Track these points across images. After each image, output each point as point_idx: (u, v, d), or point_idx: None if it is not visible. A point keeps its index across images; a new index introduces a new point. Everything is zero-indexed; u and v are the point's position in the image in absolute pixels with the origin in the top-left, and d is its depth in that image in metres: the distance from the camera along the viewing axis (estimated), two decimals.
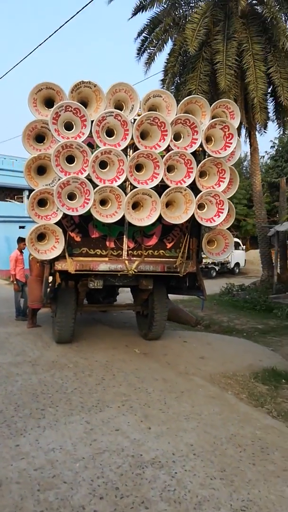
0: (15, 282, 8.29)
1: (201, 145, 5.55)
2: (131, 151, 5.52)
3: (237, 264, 21.68)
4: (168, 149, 5.46)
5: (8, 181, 19.19)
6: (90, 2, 8.19)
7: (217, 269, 19.64)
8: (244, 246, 24.16)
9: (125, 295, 9.10)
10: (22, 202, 19.85)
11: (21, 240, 8.46)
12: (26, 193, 19.77)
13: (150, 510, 2.65)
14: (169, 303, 7.14)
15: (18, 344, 6.37)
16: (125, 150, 5.34)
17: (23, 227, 16.21)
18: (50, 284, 5.87)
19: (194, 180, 5.48)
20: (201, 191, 5.55)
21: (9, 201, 19.36)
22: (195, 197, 5.44)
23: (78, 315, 6.64)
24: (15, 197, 19.97)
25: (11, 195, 19.93)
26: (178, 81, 13.60)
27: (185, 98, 5.85)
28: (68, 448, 3.36)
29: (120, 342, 6.59)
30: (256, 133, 13.48)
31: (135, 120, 5.38)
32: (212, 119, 5.64)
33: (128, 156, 5.40)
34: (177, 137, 5.60)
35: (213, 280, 16.81)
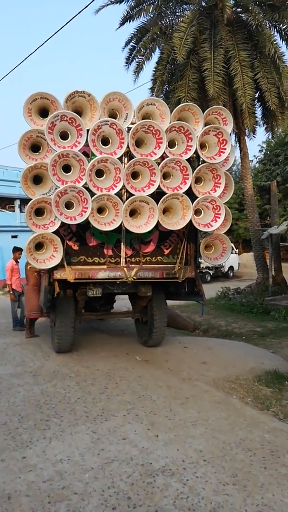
0: (11, 292, 8.23)
1: (195, 152, 5.61)
2: (126, 159, 5.56)
3: (231, 267, 21.77)
4: (163, 156, 5.50)
5: None
6: (83, 9, 8.28)
7: (211, 274, 19.71)
8: (237, 250, 24.31)
9: (120, 303, 9.09)
10: (13, 211, 19.75)
11: (16, 249, 8.43)
12: (17, 202, 19.70)
13: None
14: (167, 309, 7.13)
15: (18, 355, 6.30)
16: (120, 158, 5.37)
17: (15, 237, 16.14)
18: (49, 294, 5.82)
19: (190, 186, 5.53)
20: (197, 197, 5.59)
21: (1, 211, 19.24)
22: (192, 203, 5.48)
23: (77, 324, 6.60)
24: (7, 206, 19.86)
25: (2, 204, 19.82)
26: (167, 89, 13.72)
27: (178, 106, 5.91)
28: (76, 459, 3.32)
29: (121, 350, 6.56)
30: (246, 138, 13.66)
31: (129, 128, 5.41)
32: (205, 125, 5.70)
33: (124, 164, 5.43)
34: (171, 144, 5.65)
35: (208, 285, 16.83)
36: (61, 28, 8.36)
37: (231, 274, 21.95)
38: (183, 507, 2.73)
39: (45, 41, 8.91)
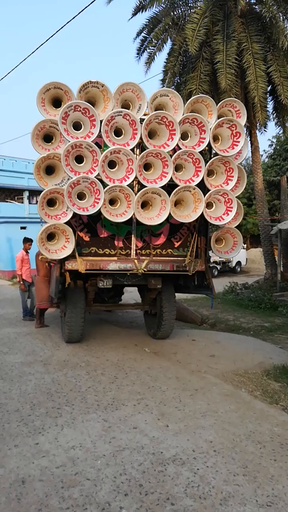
0: (21, 282, 8.29)
1: (208, 144, 5.58)
2: (138, 150, 5.54)
3: (238, 263, 21.71)
4: (174, 148, 5.48)
5: (8, 182, 19.16)
6: (90, 3, 8.20)
7: (219, 268, 19.67)
8: (245, 245, 24.22)
9: (128, 295, 9.12)
10: (22, 203, 19.82)
11: (26, 240, 8.48)
12: (26, 193, 19.76)
13: (176, 506, 2.66)
14: (176, 302, 7.15)
15: (28, 344, 6.37)
16: (132, 150, 5.35)
17: (24, 228, 16.21)
18: (59, 284, 5.86)
19: (202, 179, 5.50)
20: (209, 190, 5.57)
21: (10, 202, 19.31)
22: (204, 196, 5.46)
23: (86, 315, 6.64)
24: (16, 198, 19.93)
25: (11, 196, 19.88)
26: (178, 81, 13.61)
27: (192, 98, 5.87)
28: (88, 446, 3.37)
29: (130, 341, 6.60)
30: (257, 132, 13.54)
31: (142, 119, 5.39)
32: (218, 118, 5.66)
33: (136, 155, 5.42)
34: (184, 136, 5.62)
35: (216, 279, 16.70)
36: (70, 20, 8.30)
37: (239, 269, 21.90)
38: (194, 496, 2.77)
39: (56, 32, 8.87)
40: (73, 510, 2.61)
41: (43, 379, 4.84)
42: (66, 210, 5.32)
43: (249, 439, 3.52)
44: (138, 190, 5.37)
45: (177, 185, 5.39)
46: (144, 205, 5.52)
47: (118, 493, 2.79)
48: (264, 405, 4.24)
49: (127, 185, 5.28)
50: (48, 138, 5.47)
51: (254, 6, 12.68)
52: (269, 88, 12.38)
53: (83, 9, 8.14)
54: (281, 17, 12.09)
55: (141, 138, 5.29)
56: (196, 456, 3.24)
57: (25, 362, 5.45)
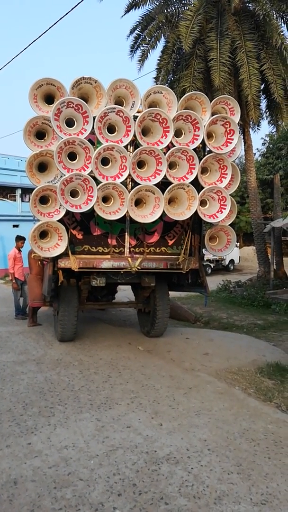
0: (14, 281, 8.22)
1: (202, 142, 5.55)
2: (131, 147, 5.50)
3: (231, 261, 21.76)
4: (168, 146, 5.44)
5: (0, 179, 18.99)
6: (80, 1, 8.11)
7: (212, 266, 19.71)
8: (238, 243, 24.29)
9: (121, 293, 9.08)
10: (15, 200, 19.66)
11: (19, 238, 8.41)
12: (19, 191, 19.60)
13: (170, 506, 2.64)
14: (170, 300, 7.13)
15: (20, 343, 6.31)
16: (125, 147, 5.31)
17: (17, 226, 16.10)
18: (52, 282, 5.81)
19: (196, 177, 5.48)
20: (203, 188, 5.55)
21: (2, 200, 19.15)
22: (198, 194, 5.44)
23: (79, 313, 6.60)
24: (8, 195, 19.76)
25: (3, 193, 19.72)
26: (172, 78, 13.55)
27: (186, 94, 5.83)
28: (81, 446, 3.33)
29: (123, 340, 6.57)
30: (250, 130, 13.55)
31: (135, 116, 5.35)
32: (212, 115, 5.64)
33: (129, 152, 5.38)
34: (178, 133, 5.58)
35: (209, 277, 16.67)
36: (68, 12, 8.22)
37: (232, 267, 21.96)
38: (188, 495, 2.75)
39: (51, 26, 8.76)
40: (66, 511, 2.57)
41: (36, 378, 4.80)
42: (59, 208, 5.26)
43: (243, 437, 3.51)
44: (132, 188, 5.33)
45: (171, 183, 5.36)
46: (138, 202, 5.48)
47: (112, 493, 2.76)
48: (258, 403, 4.24)
49: (121, 183, 5.24)
50: (40, 135, 5.41)
51: (247, 4, 12.68)
52: (262, 86, 12.38)
53: (77, 5, 8.05)
54: (275, 15, 12.11)
55: (134, 135, 5.25)
56: (190, 455, 3.22)
57: (18, 361, 5.40)
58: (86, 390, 4.46)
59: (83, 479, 2.91)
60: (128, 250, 5.81)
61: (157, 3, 13.07)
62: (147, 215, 5.38)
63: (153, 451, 3.27)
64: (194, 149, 5.49)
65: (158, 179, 5.30)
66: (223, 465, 3.09)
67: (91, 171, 5.07)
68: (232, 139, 5.63)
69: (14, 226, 16.18)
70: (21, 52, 10.44)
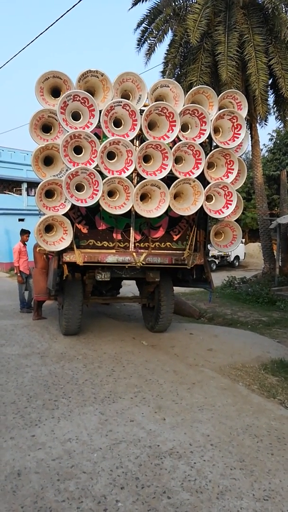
0: (19, 274, 8.24)
1: (209, 136, 5.51)
2: (137, 141, 5.47)
3: (236, 257, 21.71)
4: (174, 140, 5.41)
5: (6, 173, 19.03)
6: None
7: (217, 262, 19.67)
8: (244, 239, 24.19)
9: (126, 288, 9.09)
10: (20, 194, 19.70)
11: (24, 232, 8.42)
12: (24, 185, 19.64)
13: (173, 500, 2.65)
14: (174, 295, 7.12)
15: (25, 336, 6.34)
16: (131, 141, 5.28)
17: (22, 220, 16.14)
18: (57, 276, 5.81)
19: (202, 172, 5.44)
20: (209, 183, 5.51)
21: (8, 194, 19.19)
22: (204, 189, 5.40)
23: (84, 308, 6.62)
24: (14, 189, 19.80)
25: (9, 187, 19.76)
26: (179, 72, 13.46)
27: (193, 89, 5.78)
28: (84, 439, 3.35)
29: (127, 334, 6.58)
30: (257, 125, 13.44)
31: (142, 110, 5.31)
32: (219, 110, 5.59)
33: (135, 146, 5.35)
34: (184, 127, 5.54)
35: (214, 273, 16.68)
36: (72, 7, 8.15)
37: (237, 263, 21.90)
38: (190, 489, 2.75)
39: (53, 23, 8.71)
40: (69, 503, 2.59)
41: (40, 371, 4.82)
42: (64, 202, 5.26)
43: (246, 433, 3.51)
44: (137, 182, 5.31)
45: (176, 178, 5.33)
46: (143, 197, 5.46)
47: (114, 486, 2.78)
48: (262, 399, 4.23)
49: (126, 177, 5.22)
50: (46, 128, 5.39)
51: None
52: (270, 81, 12.26)
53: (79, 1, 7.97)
54: (284, 9, 11.94)
55: (140, 129, 5.22)
56: (193, 450, 3.23)
57: (22, 354, 5.43)
58: (90, 383, 4.48)
59: (86, 471, 2.92)
60: (133, 245, 5.80)
61: None
62: (153, 210, 5.36)
63: (156, 445, 3.28)
64: (201, 144, 5.46)
65: (164, 173, 5.27)
66: (226, 461, 3.09)
67: (97, 165, 5.05)
68: (239, 134, 5.58)
69: (19, 220, 16.22)
70: (21, 50, 10.40)
